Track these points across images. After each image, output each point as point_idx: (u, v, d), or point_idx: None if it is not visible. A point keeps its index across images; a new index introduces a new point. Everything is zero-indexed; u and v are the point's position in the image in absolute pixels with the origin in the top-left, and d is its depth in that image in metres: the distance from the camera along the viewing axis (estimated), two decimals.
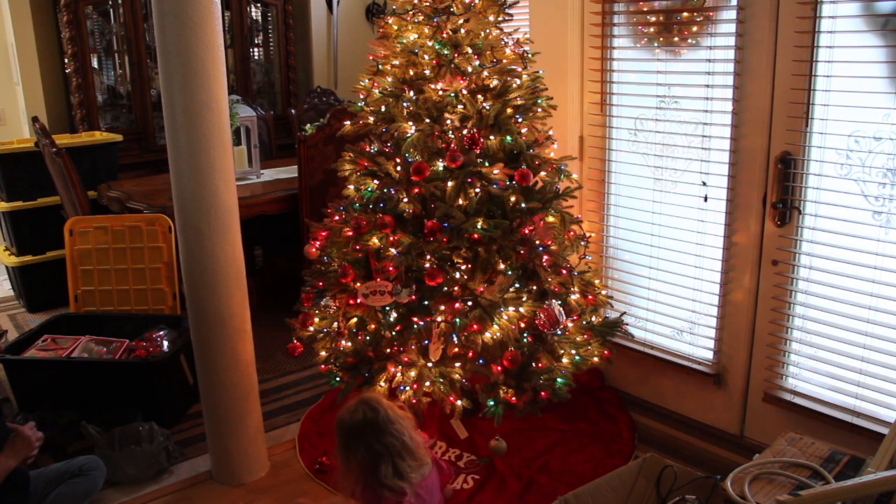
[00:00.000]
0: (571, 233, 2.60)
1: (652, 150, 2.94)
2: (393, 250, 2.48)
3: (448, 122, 2.46)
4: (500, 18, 2.54)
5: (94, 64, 4.78)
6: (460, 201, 2.41)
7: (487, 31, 2.51)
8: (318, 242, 2.66)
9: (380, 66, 2.59)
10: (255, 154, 4.18)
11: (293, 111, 5.40)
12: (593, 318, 2.71)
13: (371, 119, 2.58)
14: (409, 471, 1.86)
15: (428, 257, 2.46)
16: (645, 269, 3.05)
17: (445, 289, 2.46)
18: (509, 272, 2.44)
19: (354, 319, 2.60)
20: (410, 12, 2.53)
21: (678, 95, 2.80)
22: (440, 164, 2.44)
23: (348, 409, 1.93)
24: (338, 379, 2.68)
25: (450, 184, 2.41)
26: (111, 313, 3.61)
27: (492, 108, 2.42)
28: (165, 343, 3.19)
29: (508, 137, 2.46)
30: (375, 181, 2.57)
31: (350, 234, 2.57)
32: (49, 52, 4.75)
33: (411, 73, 2.52)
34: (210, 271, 2.48)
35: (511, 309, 2.43)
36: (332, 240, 2.64)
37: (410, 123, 2.47)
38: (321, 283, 2.64)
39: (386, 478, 1.84)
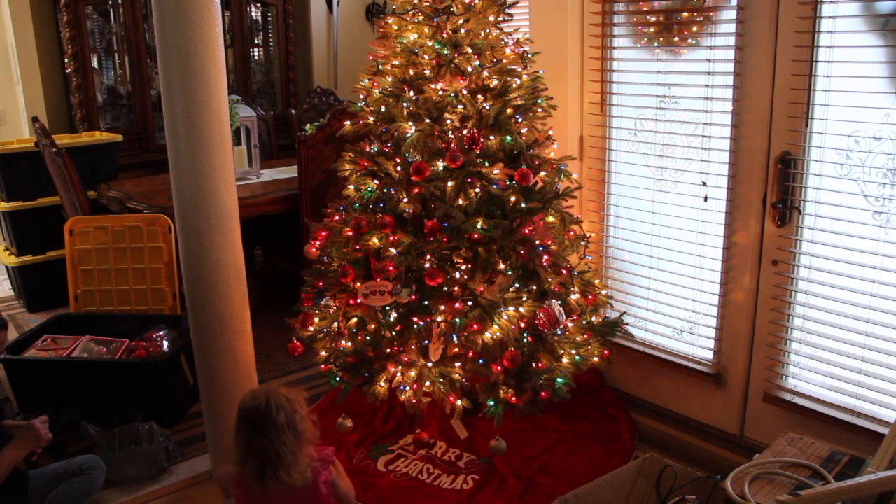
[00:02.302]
0: (571, 233, 2.60)
1: (652, 150, 2.94)
2: (393, 250, 2.48)
3: (448, 122, 2.45)
4: (500, 18, 2.54)
5: (94, 64, 4.78)
6: (460, 201, 2.41)
7: (487, 31, 2.51)
8: (318, 242, 2.66)
9: (380, 66, 2.59)
10: (255, 154, 4.18)
11: (293, 111, 5.40)
12: (593, 318, 2.71)
13: (371, 119, 2.58)
14: (270, 476, 1.94)
15: (428, 257, 2.46)
16: (645, 269, 3.05)
17: (445, 289, 2.46)
18: (509, 272, 2.44)
19: (354, 319, 2.60)
20: (410, 12, 2.53)
21: (678, 95, 2.80)
22: (440, 164, 2.44)
23: (252, 393, 2.03)
24: (338, 379, 2.68)
25: (450, 184, 2.41)
26: (111, 313, 3.61)
27: (492, 108, 2.42)
28: (165, 343, 3.19)
29: (508, 137, 2.46)
30: (375, 181, 2.57)
31: (350, 234, 2.57)
32: (49, 52, 4.74)
33: (411, 73, 2.52)
34: (210, 271, 2.47)
35: (511, 309, 2.43)
36: (332, 240, 2.64)
37: (410, 123, 2.47)
38: (321, 283, 2.64)
39: (249, 472, 1.95)
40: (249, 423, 1.95)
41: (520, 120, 2.49)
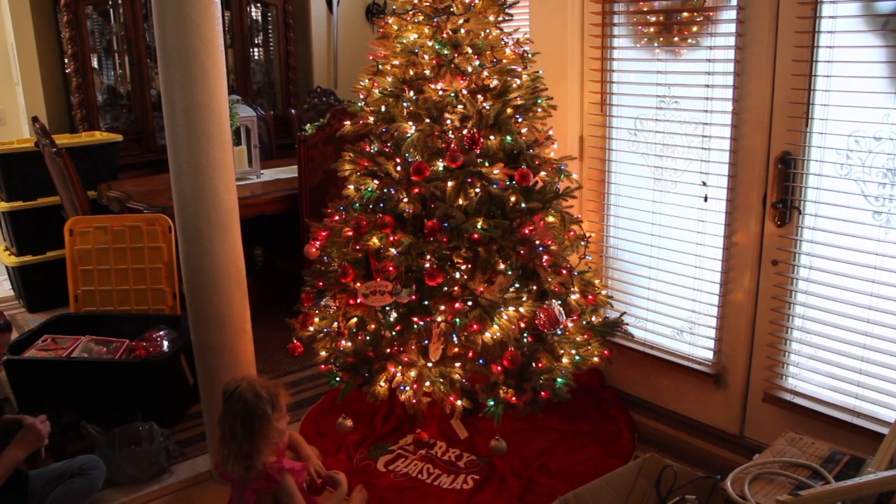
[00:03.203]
0: (571, 233, 2.60)
1: (652, 150, 2.94)
2: (393, 250, 2.48)
3: (448, 122, 2.45)
4: (500, 18, 2.54)
5: (94, 64, 4.78)
6: (460, 201, 2.41)
7: (487, 31, 2.51)
8: (318, 242, 2.66)
9: (380, 66, 2.59)
10: (255, 154, 4.18)
11: (293, 111, 5.40)
12: (593, 318, 2.71)
13: (371, 119, 2.58)
14: (224, 457, 2.04)
15: (428, 257, 2.46)
16: (645, 269, 3.05)
17: (445, 289, 2.46)
18: (509, 272, 2.44)
19: (354, 319, 2.60)
20: (410, 12, 2.53)
21: (678, 95, 2.80)
22: (440, 164, 2.44)
23: (238, 376, 2.10)
24: (338, 379, 2.68)
25: (450, 184, 2.41)
26: (111, 313, 3.61)
27: (492, 108, 2.42)
28: (165, 343, 3.19)
29: (508, 137, 2.46)
30: (375, 181, 2.57)
31: (350, 234, 2.57)
32: (49, 52, 4.75)
33: (411, 73, 2.52)
34: (210, 271, 2.48)
35: (511, 309, 2.43)
36: (332, 240, 2.64)
37: (410, 123, 2.47)
38: (321, 283, 2.64)
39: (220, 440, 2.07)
40: (222, 401, 2.04)
41: (520, 120, 2.49)
